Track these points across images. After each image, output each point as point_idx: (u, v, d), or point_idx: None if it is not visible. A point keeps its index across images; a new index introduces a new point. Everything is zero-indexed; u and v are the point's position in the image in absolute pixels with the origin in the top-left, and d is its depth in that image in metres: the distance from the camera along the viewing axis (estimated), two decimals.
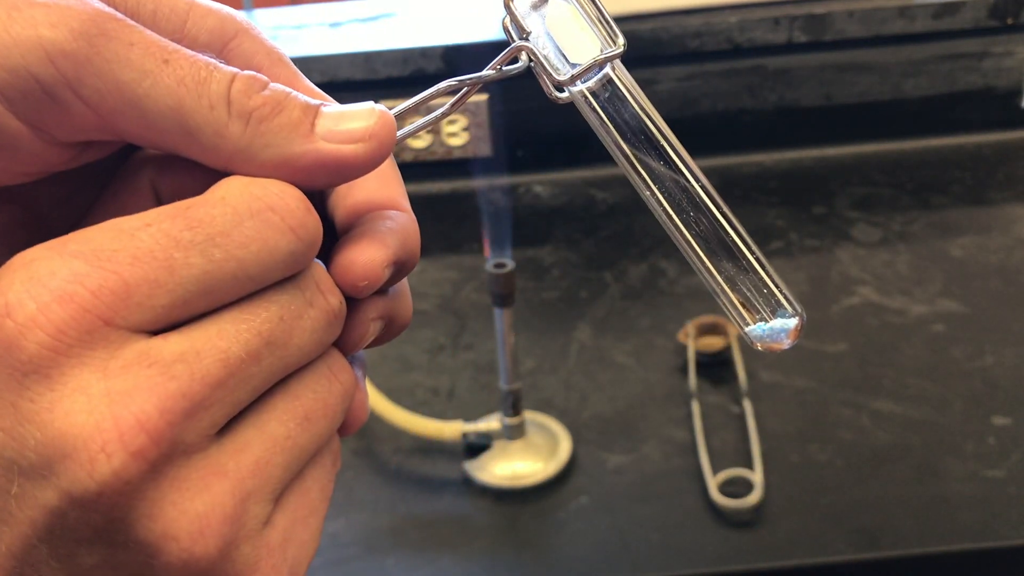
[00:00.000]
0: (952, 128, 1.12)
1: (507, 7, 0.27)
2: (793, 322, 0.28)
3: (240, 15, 0.27)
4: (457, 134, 1.09)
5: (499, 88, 1.08)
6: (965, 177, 1.05)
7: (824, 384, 0.77)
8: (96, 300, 0.21)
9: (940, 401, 0.74)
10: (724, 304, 0.28)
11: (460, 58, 1.06)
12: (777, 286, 0.28)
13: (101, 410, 0.20)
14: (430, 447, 0.74)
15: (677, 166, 0.27)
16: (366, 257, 0.25)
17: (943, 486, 0.67)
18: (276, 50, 0.27)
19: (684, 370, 0.79)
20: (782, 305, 0.28)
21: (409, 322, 0.28)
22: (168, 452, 0.21)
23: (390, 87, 1.08)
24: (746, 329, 0.29)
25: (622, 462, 0.71)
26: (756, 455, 0.69)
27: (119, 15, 0.23)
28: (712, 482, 0.67)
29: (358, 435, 0.76)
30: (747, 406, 0.74)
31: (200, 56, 0.24)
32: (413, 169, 1.12)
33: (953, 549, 0.63)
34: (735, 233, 0.28)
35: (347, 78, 1.07)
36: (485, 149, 1.11)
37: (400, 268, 0.26)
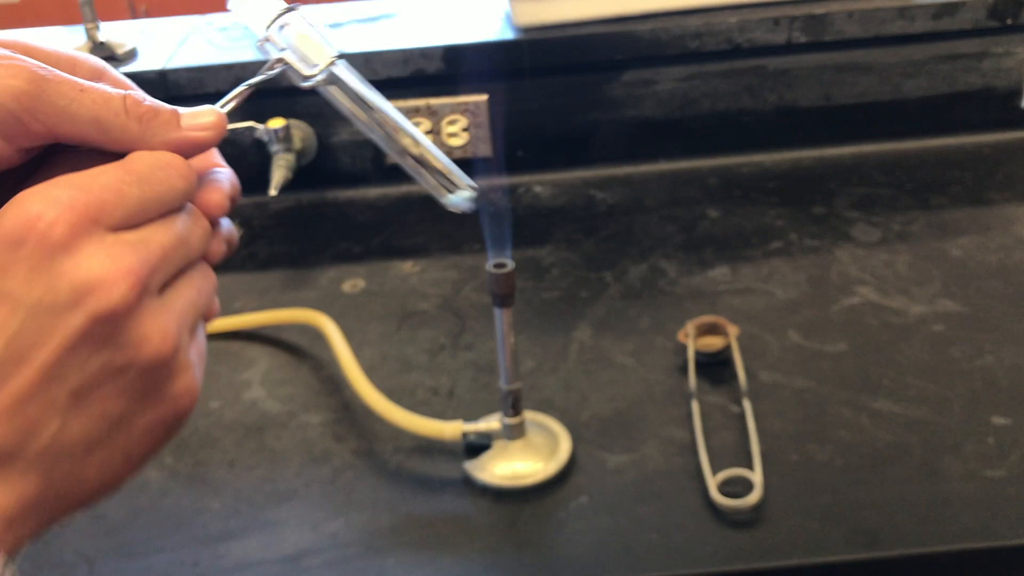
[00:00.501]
0: (952, 128, 1.12)
1: (262, 34, 0.44)
2: (469, 192, 0.47)
3: (98, 60, 0.42)
4: (457, 134, 1.09)
5: (499, 89, 1.08)
6: (965, 177, 1.06)
7: (824, 384, 0.77)
8: (88, 209, 0.35)
9: (940, 401, 0.74)
10: (426, 187, 0.47)
11: (460, 58, 1.06)
12: (452, 175, 0.47)
13: (108, 265, 0.35)
14: (430, 447, 0.74)
15: (378, 114, 0.45)
16: (218, 196, 0.41)
17: (943, 486, 0.67)
18: (127, 80, 0.42)
19: (684, 370, 0.79)
20: (459, 185, 0.47)
21: (237, 244, 0.44)
22: (145, 291, 0.36)
23: (391, 87, 1.08)
24: (443, 200, 0.47)
25: (622, 462, 0.71)
26: (756, 455, 0.69)
27: (45, 67, 0.38)
28: (712, 482, 0.67)
29: (359, 435, 0.76)
30: (747, 406, 0.74)
31: (100, 86, 0.39)
32: None
33: (953, 549, 0.63)
34: (418, 146, 0.46)
35: None
36: (485, 149, 1.11)
37: (233, 202, 0.42)
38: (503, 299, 0.66)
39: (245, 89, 0.44)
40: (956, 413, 0.73)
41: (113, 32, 1.13)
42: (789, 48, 1.08)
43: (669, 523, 0.66)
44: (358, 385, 0.77)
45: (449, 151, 1.10)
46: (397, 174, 1.12)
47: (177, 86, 1.06)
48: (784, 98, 1.11)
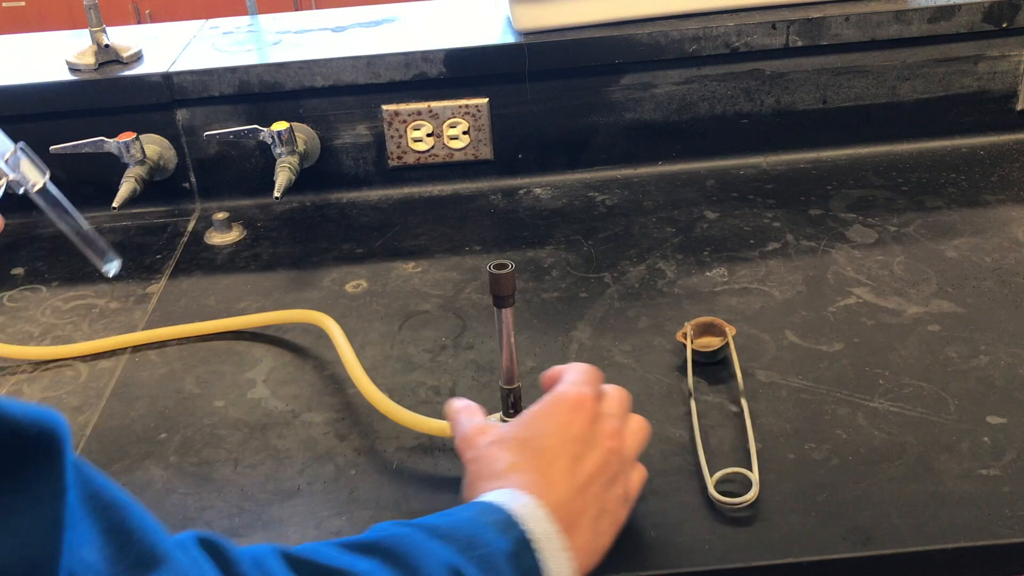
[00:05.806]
0: (947, 131, 1.13)
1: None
2: (115, 263, 0.69)
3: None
4: (458, 137, 1.10)
5: (500, 92, 1.09)
6: (960, 179, 1.06)
7: (820, 384, 0.78)
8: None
9: (935, 400, 0.75)
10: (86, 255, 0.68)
11: (461, 62, 1.07)
12: (100, 246, 0.68)
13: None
14: (432, 445, 0.75)
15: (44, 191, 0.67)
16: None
17: (938, 484, 0.67)
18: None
19: (682, 370, 0.79)
20: (107, 252, 0.68)
21: None
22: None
23: (392, 91, 1.09)
24: (103, 268, 0.68)
25: None
26: (753, 453, 0.70)
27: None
28: (710, 480, 0.68)
29: (361, 434, 0.77)
30: (744, 405, 0.74)
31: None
32: (415, 171, 1.13)
33: (948, 547, 0.63)
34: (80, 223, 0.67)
35: (350, 82, 1.08)
36: (486, 152, 1.12)
37: None
38: (503, 299, 0.66)
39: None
40: (951, 412, 0.74)
41: (118, 36, 1.14)
42: (786, 52, 1.08)
43: (667, 520, 0.66)
44: (360, 384, 0.78)
45: (450, 154, 1.11)
46: (398, 176, 1.13)
47: (181, 89, 1.07)
48: (781, 101, 1.12)
